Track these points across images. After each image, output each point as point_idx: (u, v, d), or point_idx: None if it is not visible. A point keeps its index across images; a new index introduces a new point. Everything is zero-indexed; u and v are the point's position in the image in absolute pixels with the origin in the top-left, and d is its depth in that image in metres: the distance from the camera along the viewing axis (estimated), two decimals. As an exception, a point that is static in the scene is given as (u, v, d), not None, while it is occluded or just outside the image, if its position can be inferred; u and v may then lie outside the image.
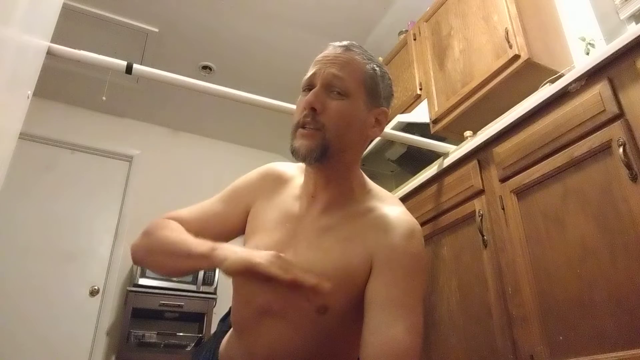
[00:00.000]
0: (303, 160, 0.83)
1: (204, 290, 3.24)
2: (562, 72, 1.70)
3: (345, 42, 0.90)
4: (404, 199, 1.91)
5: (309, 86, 0.86)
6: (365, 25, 3.07)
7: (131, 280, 3.26)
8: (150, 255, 0.87)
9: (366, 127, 0.88)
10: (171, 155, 4.07)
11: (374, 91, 0.88)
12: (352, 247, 0.80)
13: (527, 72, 1.86)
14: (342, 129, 0.83)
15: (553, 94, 1.32)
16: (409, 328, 0.71)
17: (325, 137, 0.81)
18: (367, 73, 0.87)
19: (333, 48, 0.89)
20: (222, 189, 1.00)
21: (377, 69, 0.90)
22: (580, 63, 1.52)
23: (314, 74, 0.86)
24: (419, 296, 0.77)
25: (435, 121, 2.30)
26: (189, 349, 3.21)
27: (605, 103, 1.17)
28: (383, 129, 0.92)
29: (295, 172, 0.97)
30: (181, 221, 0.89)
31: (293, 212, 0.89)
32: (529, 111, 1.39)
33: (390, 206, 0.86)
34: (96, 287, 3.38)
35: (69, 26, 2.83)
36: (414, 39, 2.62)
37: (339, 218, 0.85)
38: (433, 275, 1.68)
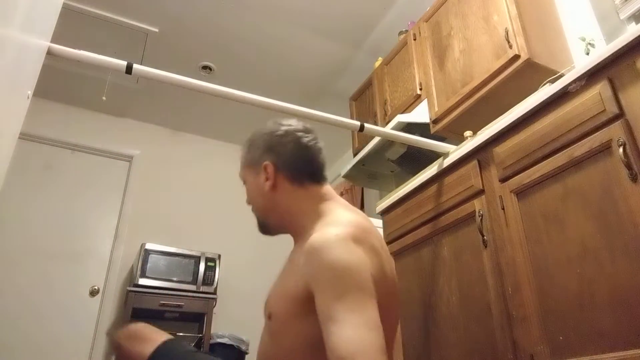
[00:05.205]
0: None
1: (204, 290, 3.24)
2: (562, 72, 1.70)
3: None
4: (404, 199, 1.91)
5: None
6: (365, 25, 3.07)
7: (131, 280, 3.26)
8: None
9: (263, 187, 1.08)
10: (171, 155, 4.07)
11: (250, 159, 1.14)
12: (291, 274, 0.97)
13: (527, 72, 1.86)
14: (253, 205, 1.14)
15: (553, 94, 1.32)
16: (340, 343, 0.73)
17: (257, 217, 1.15)
18: (243, 156, 1.17)
19: None
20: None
21: (250, 139, 1.17)
22: (580, 63, 1.52)
23: None
24: (352, 304, 0.77)
25: (435, 121, 2.30)
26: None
27: (605, 103, 1.17)
28: (272, 175, 1.08)
29: None
30: None
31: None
32: (528, 111, 1.39)
33: (320, 228, 0.95)
34: (96, 287, 3.38)
35: (69, 26, 2.83)
36: (414, 39, 2.62)
37: (296, 253, 1.03)
38: (433, 275, 1.68)
